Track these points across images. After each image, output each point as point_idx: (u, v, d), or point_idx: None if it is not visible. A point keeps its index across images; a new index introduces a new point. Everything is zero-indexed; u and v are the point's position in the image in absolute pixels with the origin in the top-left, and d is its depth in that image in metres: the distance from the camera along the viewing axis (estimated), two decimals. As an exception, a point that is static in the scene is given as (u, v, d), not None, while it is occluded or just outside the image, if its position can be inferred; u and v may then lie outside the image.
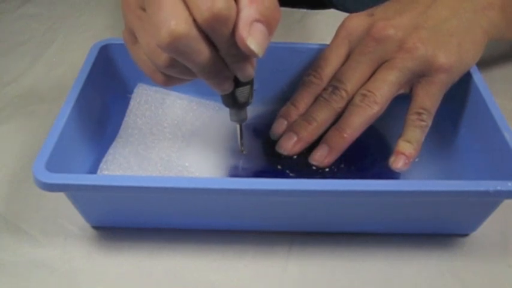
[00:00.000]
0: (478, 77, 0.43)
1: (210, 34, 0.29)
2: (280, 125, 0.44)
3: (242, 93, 0.36)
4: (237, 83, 0.35)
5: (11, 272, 0.38)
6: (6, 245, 0.39)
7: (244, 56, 0.31)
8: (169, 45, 0.29)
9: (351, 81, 0.42)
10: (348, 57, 0.43)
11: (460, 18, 0.42)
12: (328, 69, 0.43)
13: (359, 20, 0.43)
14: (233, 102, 0.37)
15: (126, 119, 0.46)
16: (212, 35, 0.29)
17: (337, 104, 0.42)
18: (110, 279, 0.37)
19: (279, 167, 0.42)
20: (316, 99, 0.43)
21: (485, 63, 0.38)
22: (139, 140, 0.44)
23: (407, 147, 0.40)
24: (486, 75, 0.44)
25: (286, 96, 0.45)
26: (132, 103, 0.47)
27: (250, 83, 0.36)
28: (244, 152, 0.43)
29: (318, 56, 0.45)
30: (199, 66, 0.31)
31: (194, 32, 0.29)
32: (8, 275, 0.37)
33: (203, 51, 0.30)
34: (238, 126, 0.41)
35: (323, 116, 0.42)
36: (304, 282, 0.38)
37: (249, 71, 0.33)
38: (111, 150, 0.43)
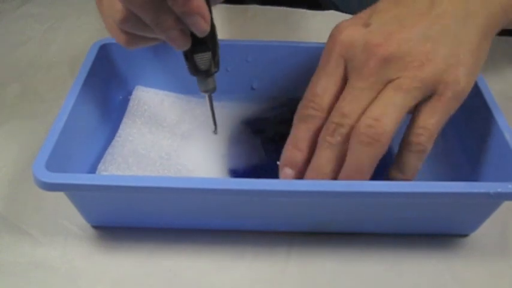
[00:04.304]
0: (478, 78, 0.43)
1: None
2: (287, 178, 0.38)
3: (202, 59, 0.37)
4: (197, 48, 0.36)
5: (11, 272, 0.37)
6: (6, 245, 0.39)
7: (192, 7, 0.32)
8: None
9: (357, 112, 0.35)
10: (345, 78, 0.37)
11: (464, 24, 0.37)
12: (327, 96, 0.37)
13: (354, 33, 0.37)
14: (195, 69, 0.37)
15: (125, 119, 0.46)
16: None
17: (344, 144, 0.36)
18: (110, 279, 0.37)
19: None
20: (319, 140, 0.37)
21: (486, 63, 0.37)
22: (138, 140, 0.44)
23: (398, 178, 0.36)
24: (486, 75, 0.44)
25: (285, 96, 0.45)
26: (131, 104, 0.47)
27: (210, 49, 0.36)
28: (215, 133, 0.43)
29: (311, 78, 0.38)
30: (149, 16, 0.33)
31: None
32: (8, 275, 0.37)
33: None
34: (207, 96, 0.41)
35: (332, 166, 0.36)
36: (304, 282, 0.38)
37: (201, 24, 0.34)
38: (109, 150, 0.43)
